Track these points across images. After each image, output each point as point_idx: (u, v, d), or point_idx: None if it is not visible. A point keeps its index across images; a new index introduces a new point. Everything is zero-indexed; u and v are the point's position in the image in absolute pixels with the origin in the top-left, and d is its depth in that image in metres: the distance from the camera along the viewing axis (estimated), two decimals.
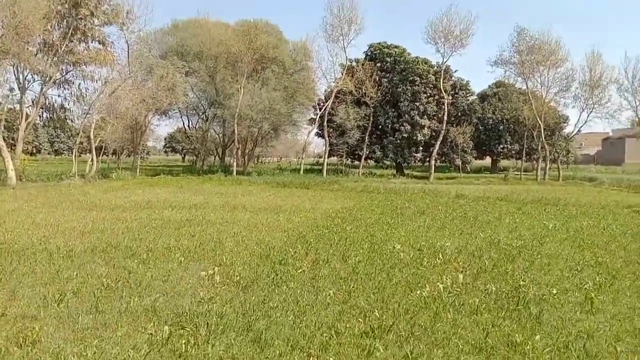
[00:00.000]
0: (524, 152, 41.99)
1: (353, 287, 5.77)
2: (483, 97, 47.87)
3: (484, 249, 8.31)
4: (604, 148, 76.64)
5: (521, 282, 5.93)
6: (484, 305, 5.14)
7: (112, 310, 4.73)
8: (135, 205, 14.15)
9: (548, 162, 36.91)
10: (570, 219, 12.73)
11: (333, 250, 7.89)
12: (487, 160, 57.94)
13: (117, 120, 30.98)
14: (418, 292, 5.56)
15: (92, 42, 28.46)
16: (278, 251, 7.73)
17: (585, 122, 35.96)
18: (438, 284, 5.82)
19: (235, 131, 33.99)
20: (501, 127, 48.37)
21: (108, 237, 8.66)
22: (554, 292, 5.65)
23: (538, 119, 35.13)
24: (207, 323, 4.41)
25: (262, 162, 61.71)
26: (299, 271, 6.44)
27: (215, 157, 46.56)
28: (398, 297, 5.42)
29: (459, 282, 6.01)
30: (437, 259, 7.30)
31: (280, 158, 71.92)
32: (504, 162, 59.41)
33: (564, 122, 45.23)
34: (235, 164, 34.81)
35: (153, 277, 6.10)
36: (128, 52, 29.80)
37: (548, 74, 34.86)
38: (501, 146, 49.07)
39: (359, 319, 4.63)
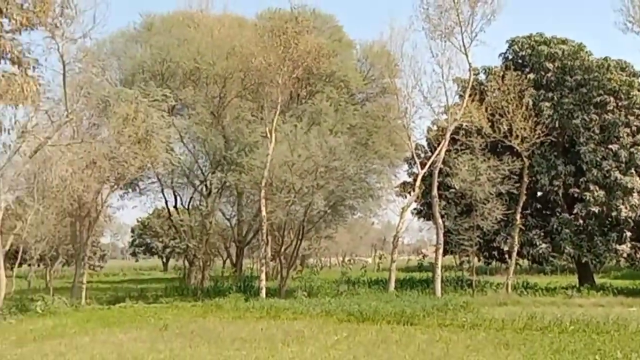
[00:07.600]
0: None
1: None
2: None
3: None
4: None
5: None
6: None
7: None
8: None
9: None
10: None
11: None
12: None
13: (45, 201, 20.62)
14: None
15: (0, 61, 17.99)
16: None
17: None
18: None
19: (263, 212, 20.89)
20: None
21: None
22: None
23: None
24: None
25: (311, 267, 41.55)
26: None
27: (225, 261, 34.43)
28: None
29: None
30: None
31: (345, 258, 47.69)
32: None
33: None
34: (264, 275, 20.94)
35: None
36: (64, 76, 18.30)
37: None
38: None
39: None
